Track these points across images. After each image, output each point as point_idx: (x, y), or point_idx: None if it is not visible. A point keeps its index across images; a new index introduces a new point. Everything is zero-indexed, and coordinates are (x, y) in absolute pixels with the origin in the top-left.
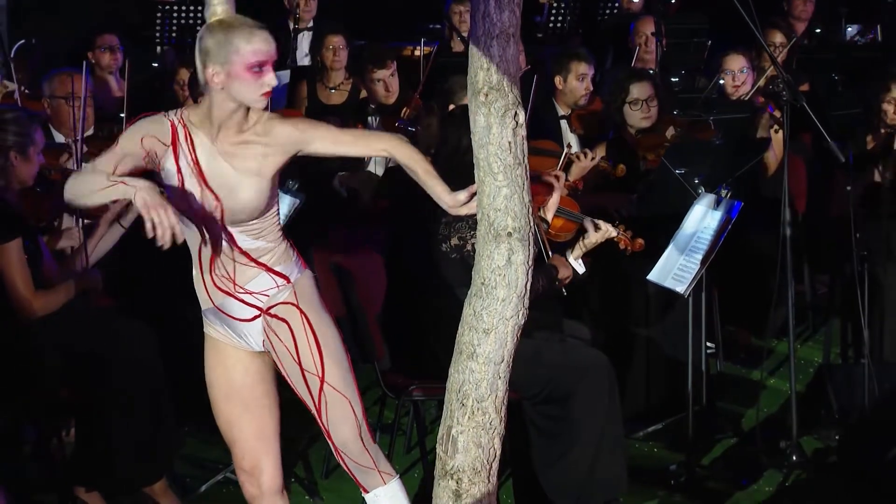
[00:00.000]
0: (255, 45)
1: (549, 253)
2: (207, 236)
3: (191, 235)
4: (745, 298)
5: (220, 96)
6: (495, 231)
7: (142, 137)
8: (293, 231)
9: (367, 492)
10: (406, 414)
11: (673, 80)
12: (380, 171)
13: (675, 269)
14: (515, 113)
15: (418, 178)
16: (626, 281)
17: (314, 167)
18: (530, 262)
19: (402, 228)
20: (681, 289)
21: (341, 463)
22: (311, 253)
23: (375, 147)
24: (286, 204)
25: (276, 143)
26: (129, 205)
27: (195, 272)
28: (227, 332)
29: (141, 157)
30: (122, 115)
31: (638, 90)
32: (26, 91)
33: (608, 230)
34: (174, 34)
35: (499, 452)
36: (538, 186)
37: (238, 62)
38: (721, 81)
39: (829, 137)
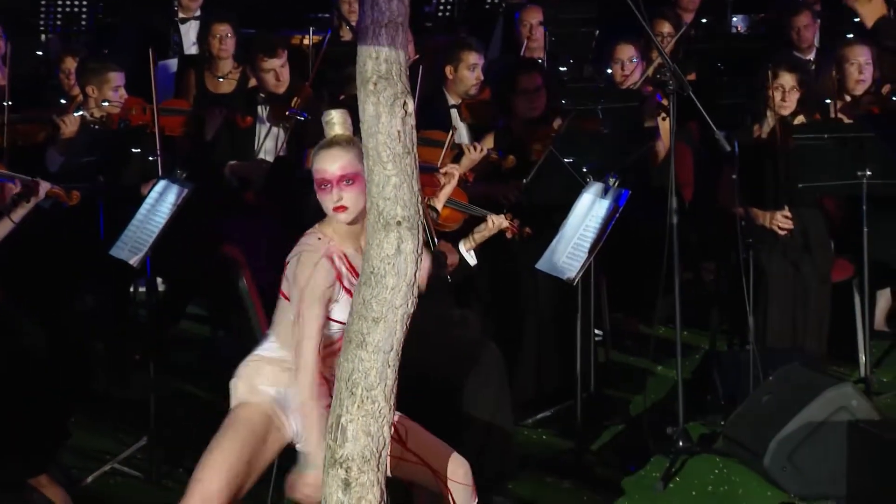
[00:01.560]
0: (318, 164)
1: (436, 241)
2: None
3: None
4: (633, 286)
5: None
6: (384, 220)
7: (323, 297)
8: (182, 222)
9: None
10: None
11: (561, 69)
12: (270, 159)
13: (563, 258)
14: (404, 102)
15: None
16: (515, 269)
17: (203, 156)
18: (419, 251)
19: (289, 218)
20: (569, 276)
21: None
22: (200, 242)
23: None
24: (174, 193)
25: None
26: (18, 199)
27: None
28: (285, 415)
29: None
30: (6, 103)
31: (526, 80)
32: None
33: (500, 222)
34: (59, 22)
35: (388, 441)
36: (427, 176)
37: (315, 178)
38: (609, 70)
39: (716, 127)
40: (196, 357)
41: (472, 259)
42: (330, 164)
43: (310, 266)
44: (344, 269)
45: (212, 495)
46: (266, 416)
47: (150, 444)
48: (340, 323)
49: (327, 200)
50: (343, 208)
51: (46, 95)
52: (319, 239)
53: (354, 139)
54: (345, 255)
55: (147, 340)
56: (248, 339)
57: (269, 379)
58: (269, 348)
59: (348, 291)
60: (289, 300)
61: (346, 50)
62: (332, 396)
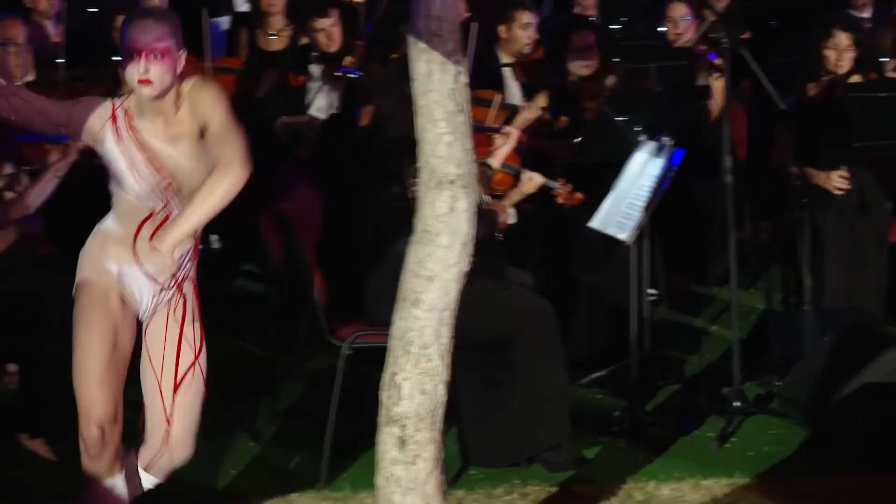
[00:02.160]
0: (129, 33)
1: (488, 199)
2: (160, 206)
3: (130, 202)
4: (687, 246)
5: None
6: (437, 178)
7: (88, 119)
8: None
9: (146, 471)
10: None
11: (613, 27)
12: (322, 116)
13: (617, 217)
14: (456, 60)
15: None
16: (568, 228)
17: (255, 113)
18: (473, 210)
19: (343, 175)
20: (623, 236)
21: (154, 440)
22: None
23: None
24: None
25: (202, 110)
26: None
27: (121, 231)
28: (129, 290)
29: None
30: (60, 60)
31: (578, 38)
32: None
33: (537, 180)
34: None
35: (444, 399)
36: (481, 136)
37: (124, 51)
38: (662, 29)
39: (770, 85)
40: (251, 313)
41: (511, 216)
42: (141, 34)
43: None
44: (123, 123)
45: (94, 397)
46: (115, 293)
47: (207, 399)
48: (133, 184)
49: (133, 72)
50: (148, 82)
51: (100, 52)
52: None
53: (171, 13)
54: (128, 116)
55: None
56: (304, 296)
57: (113, 256)
58: (109, 222)
59: (119, 145)
60: None
61: (398, 8)
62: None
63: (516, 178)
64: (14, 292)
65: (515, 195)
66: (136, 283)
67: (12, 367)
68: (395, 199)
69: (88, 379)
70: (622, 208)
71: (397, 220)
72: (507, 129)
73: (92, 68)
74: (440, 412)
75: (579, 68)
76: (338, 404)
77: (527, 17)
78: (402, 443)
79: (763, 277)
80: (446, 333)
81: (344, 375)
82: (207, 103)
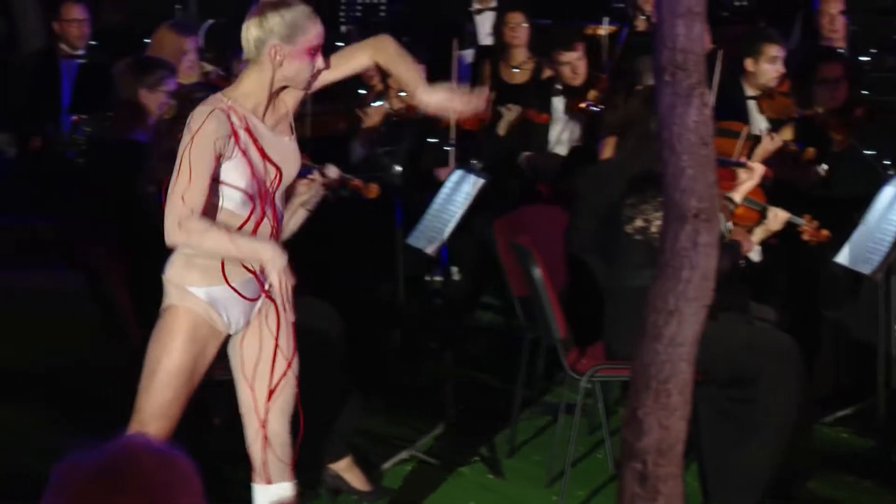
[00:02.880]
0: (319, 28)
1: (730, 225)
2: (266, 214)
3: (228, 212)
4: None
5: (268, 74)
6: (679, 212)
7: (216, 156)
8: (476, 210)
9: (267, 483)
10: (589, 395)
11: (862, 59)
12: (563, 152)
13: (863, 252)
14: (701, 93)
15: (398, 76)
16: (813, 263)
17: (498, 147)
18: (716, 243)
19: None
20: (869, 271)
21: (256, 450)
22: (493, 232)
23: (362, 60)
24: (470, 183)
25: (292, 102)
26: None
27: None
28: (218, 313)
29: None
30: (308, 94)
31: (826, 70)
32: (221, 72)
33: (783, 216)
34: (359, 13)
35: (684, 435)
36: (726, 171)
37: (303, 43)
38: None
39: None
40: (490, 346)
41: (756, 255)
42: (322, 31)
43: (203, 115)
44: (242, 131)
45: (157, 418)
46: (201, 319)
47: (446, 431)
48: (240, 190)
49: (311, 67)
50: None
51: (346, 86)
52: (221, 97)
53: None
54: (245, 118)
55: (442, 329)
56: (543, 330)
57: (198, 279)
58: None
59: (243, 153)
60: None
61: (640, 40)
62: (262, 284)
63: (761, 215)
64: None
65: (761, 232)
66: (225, 303)
67: None
68: (637, 234)
69: (153, 403)
70: (869, 243)
71: (638, 254)
72: (752, 164)
73: (338, 102)
74: (680, 448)
75: (827, 101)
76: (577, 438)
77: (774, 51)
78: (644, 478)
79: None
80: (686, 368)
81: (583, 408)
82: (297, 98)
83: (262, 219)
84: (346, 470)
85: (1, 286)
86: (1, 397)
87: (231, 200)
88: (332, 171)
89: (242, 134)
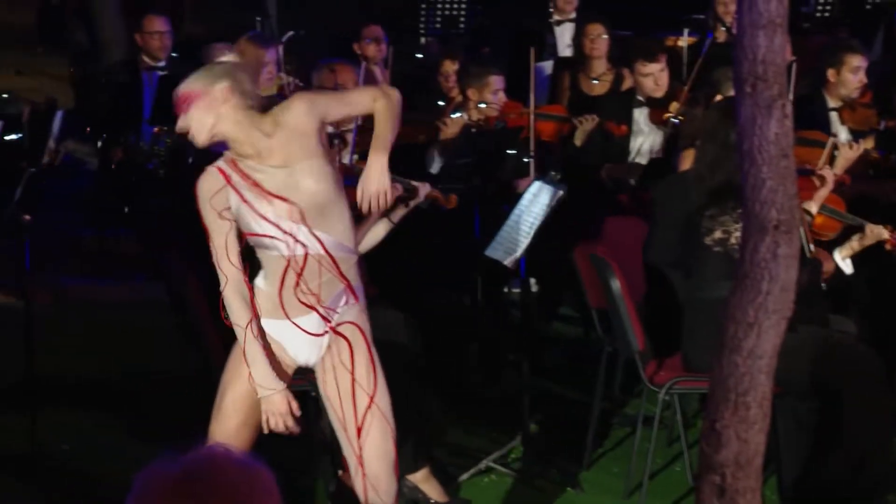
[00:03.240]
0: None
1: (812, 247)
2: (307, 247)
3: (270, 257)
4: None
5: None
6: (759, 223)
7: (218, 212)
8: (554, 221)
9: None
10: (667, 407)
11: None
12: (643, 161)
13: None
14: (783, 104)
15: (375, 130)
16: (893, 275)
17: (577, 158)
18: (796, 255)
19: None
20: None
21: (357, 486)
22: (572, 243)
23: (366, 105)
24: (548, 194)
25: (296, 126)
26: (398, 201)
27: (268, 288)
28: (279, 346)
29: (230, 224)
30: None
31: None
32: (299, 83)
33: (879, 233)
34: (438, 25)
35: (762, 448)
36: (804, 180)
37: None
38: None
39: None
40: (568, 357)
41: (847, 267)
42: None
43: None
44: (236, 177)
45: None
46: (272, 352)
47: (524, 443)
48: (254, 235)
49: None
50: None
51: (425, 97)
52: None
53: None
54: (235, 162)
55: (520, 340)
56: (621, 341)
57: (263, 310)
58: (259, 280)
59: (243, 200)
60: None
61: (721, 51)
62: (326, 319)
63: (849, 228)
64: None
65: (853, 246)
66: (288, 338)
67: None
68: (716, 245)
69: (222, 429)
70: None
71: (716, 265)
72: (823, 171)
73: (416, 113)
74: (759, 461)
75: None
76: (654, 450)
77: (857, 61)
78: (722, 491)
79: None
80: (766, 381)
81: (661, 420)
82: (299, 104)
83: (303, 254)
84: (423, 481)
85: (82, 297)
86: (83, 407)
87: (261, 247)
88: (424, 188)
89: (237, 180)
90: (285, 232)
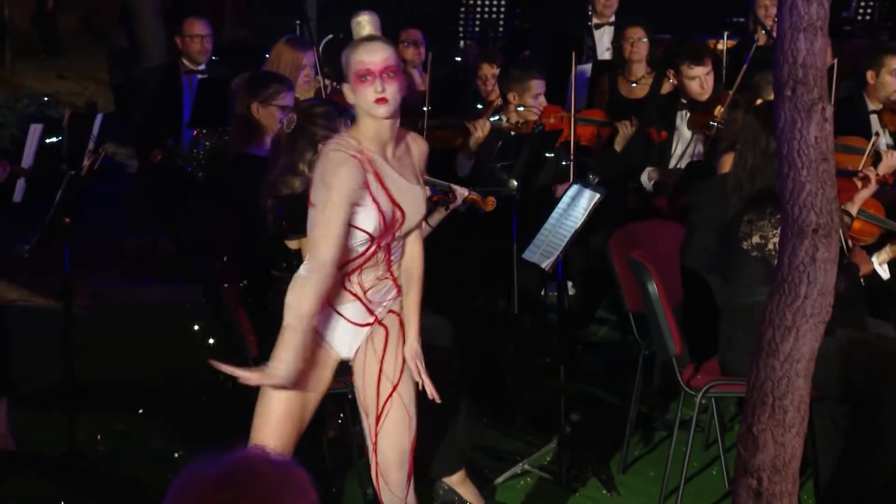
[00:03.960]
0: (361, 55)
1: (849, 249)
2: (380, 250)
3: (351, 252)
4: None
5: (359, 112)
6: (799, 227)
7: (353, 203)
8: (592, 225)
9: None
10: (704, 411)
11: None
12: (682, 164)
13: None
14: (823, 108)
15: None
16: None
17: (615, 162)
18: (835, 260)
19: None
20: None
21: (375, 484)
22: (608, 247)
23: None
24: (586, 198)
25: (416, 159)
26: (436, 204)
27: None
28: (330, 341)
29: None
30: (425, 108)
31: None
32: (337, 86)
33: None
34: (477, 29)
35: (800, 452)
36: (844, 182)
37: (352, 73)
38: None
39: None
40: (605, 361)
41: (884, 273)
42: (374, 55)
43: (339, 164)
44: (371, 177)
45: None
46: (315, 346)
47: (560, 446)
48: (365, 232)
49: (369, 92)
50: (384, 100)
51: (464, 101)
52: (350, 141)
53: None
54: (370, 161)
55: (557, 344)
56: (658, 345)
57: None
58: (303, 270)
59: (373, 199)
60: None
61: (763, 55)
62: (370, 311)
63: (881, 228)
64: None
65: (892, 252)
66: (335, 329)
67: None
68: (754, 250)
69: (266, 427)
70: None
71: (754, 270)
72: (866, 171)
73: (454, 116)
74: (795, 465)
75: None
76: (691, 454)
77: None
78: (759, 495)
79: None
80: (803, 385)
81: (698, 424)
82: (424, 153)
83: (373, 255)
84: (459, 484)
85: (121, 300)
86: (122, 409)
87: (355, 239)
88: (461, 191)
89: (372, 180)
90: (383, 236)
